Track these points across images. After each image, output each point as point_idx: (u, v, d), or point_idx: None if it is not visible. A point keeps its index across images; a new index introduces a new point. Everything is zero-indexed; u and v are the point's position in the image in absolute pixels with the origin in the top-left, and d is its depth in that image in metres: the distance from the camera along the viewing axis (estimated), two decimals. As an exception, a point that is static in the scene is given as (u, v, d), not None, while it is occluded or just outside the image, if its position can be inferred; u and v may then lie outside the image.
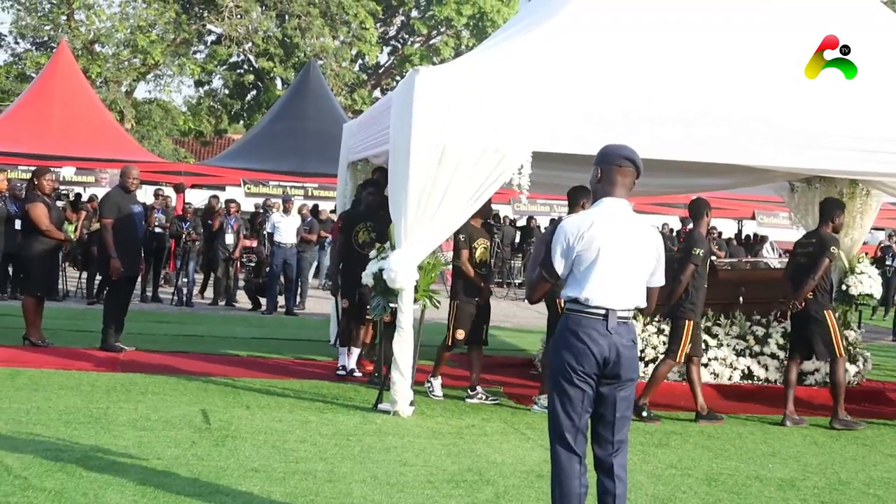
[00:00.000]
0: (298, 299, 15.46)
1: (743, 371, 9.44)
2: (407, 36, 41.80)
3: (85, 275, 15.77)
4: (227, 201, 16.64)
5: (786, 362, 9.31)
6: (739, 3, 8.37)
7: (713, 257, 8.36)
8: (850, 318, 10.74)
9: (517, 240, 23.64)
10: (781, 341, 9.48)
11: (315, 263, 18.92)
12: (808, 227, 10.83)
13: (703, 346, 8.83)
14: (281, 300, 15.19)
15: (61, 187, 17.87)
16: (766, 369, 9.43)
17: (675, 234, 22.06)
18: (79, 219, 15.60)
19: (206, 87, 38.29)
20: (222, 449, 6.08)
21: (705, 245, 8.09)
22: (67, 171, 20.87)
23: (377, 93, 40.10)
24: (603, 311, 4.17)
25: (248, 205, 21.42)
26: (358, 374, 9.22)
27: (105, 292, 10.96)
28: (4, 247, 12.92)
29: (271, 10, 34.80)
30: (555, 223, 19.21)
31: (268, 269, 15.43)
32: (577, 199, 7.68)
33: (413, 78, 7.34)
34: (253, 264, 17.25)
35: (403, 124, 7.41)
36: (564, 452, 4.23)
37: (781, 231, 23.48)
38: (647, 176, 8.53)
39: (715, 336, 9.42)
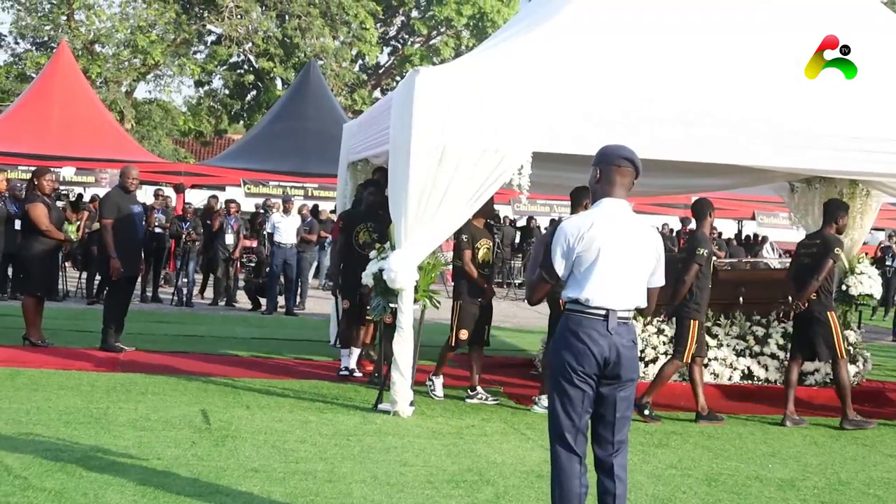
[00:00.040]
0: (298, 299, 15.46)
1: (743, 371, 9.45)
2: (407, 36, 41.81)
3: (85, 275, 15.77)
4: (227, 201, 16.64)
5: (786, 362, 9.33)
6: (739, 3, 8.37)
7: (713, 258, 8.36)
8: (850, 318, 10.75)
9: (517, 240, 23.64)
10: (781, 341, 9.48)
11: (315, 264, 18.92)
12: (808, 228, 10.84)
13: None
14: (281, 300, 15.20)
15: (61, 187, 17.86)
16: (766, 369, 9.44)
17: (674, 234, 22.06)
18: (81, 219, 15.60)
19: (206, 88, 38.32)
20: (222, 449, 6.08)
21: (709, 245, 8.10)
22: (67, 172, 20.88)
23: (377, 93, 40.11)
24: (603, 312, 4.17)
25: (248, 205, 21.41)
26: (358, 374, 9.22)
27: (105, 292, 10.96)
28: (4, 247, 12.93)
29: (271, 10, 34.81)
30: (555, 224, 19.24)
31: (268, 269, 15.43)
32: (581, 199, 7.67)
33: (413, 78, 7.34)
34: (253, 264, 17.25)
35: (403, 124, 7.41)
36: (564, 453, 4.23)
37: (781, 231, 23.50)
38: (647, 176, 8.54)
39: (715, 336, 9.42)
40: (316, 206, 20.39)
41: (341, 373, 9.16)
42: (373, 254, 7.88)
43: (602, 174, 4.31)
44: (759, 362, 9.45)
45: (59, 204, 13.20)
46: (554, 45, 7.92)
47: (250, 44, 35.65)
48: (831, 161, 7.84)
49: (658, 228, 20.19)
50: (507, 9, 36.96)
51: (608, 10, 8.20)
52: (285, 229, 14.82)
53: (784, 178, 10.58)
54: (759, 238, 23.88)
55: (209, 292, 16.41)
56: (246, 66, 37.62)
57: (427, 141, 7.24)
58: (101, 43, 33.61)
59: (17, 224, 11.58)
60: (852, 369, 9.31)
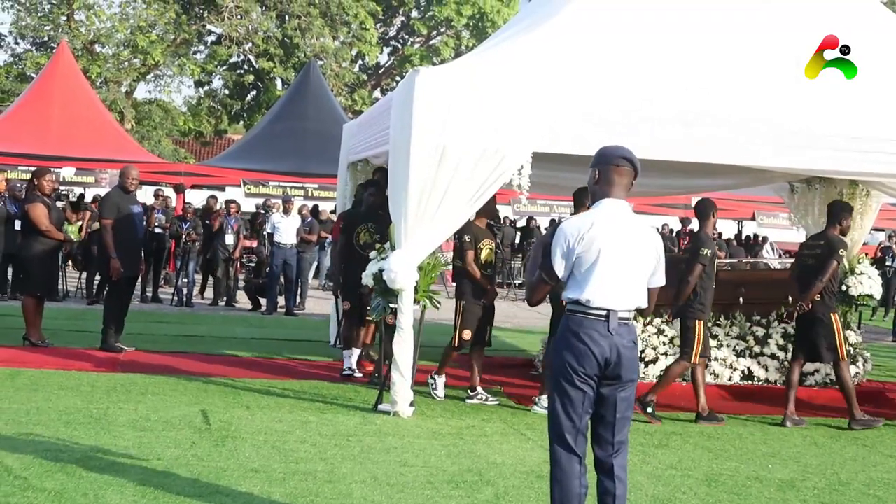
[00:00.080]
0: (298, 300, 15.46)
1: (743, 372, 9.45)
2: (407, 36, 41.80)
3: (84, 275, 15.77)
4: (227, 202, 16.64)
5: (786, 363, 9.33)
6: (739, 3, 8.37)
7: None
8: (850, 318, 10.75)
9: (517, 240, 23.64)
10: (781, 342, 9.49)
11: (315, 264, 18.92)
12: (808, 228, 10.85)
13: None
14: (281, 300, 15.20)
15: (61, 188, 17.86)
16: (766, 370, 9.44)
17: (674, 234, 22.06)
18: (83, 219, 15.59)
19: (206, 88, 38.31)
20: (222, 449, 6.08)
21: (713, 245, 8.10)
22: (67, 172, 20.87)
23: (377, 93, 40.11)
24: (604, 312, 4.17)
25: (248, 205, 21.41)
26: (358, 374, 9.22)
27: (105, 293, 10.96)
28: (4, 247, 12.93)
29: (271, 10, 34.80)
30: (554, 225, 19.20)
31: (268, 269, 15.43)
32: (583, 199, 7.67)
33: (413, 78, 7.34)
34: (253, 265, 17.25)
35: (403, 125, 7.41)
36: (564, 453, 4.23)
37: (781, 232, 23.50)
38: (647, 176, 8.54)
39: (715, 337, 9.42)
40: (316, 207, 20.39)
41: (344, 373, 9.15)
42: (373, 254, 7.88)
43: (601, 175, 4.31)
44: (759, 363, 9.45)
45: (59, 204, 13.19)
46: (554, 45, 7.92)
47: (250, 44, 35.64)
48: (831, 161, 7.84)
49: (658, 229, 20.20)
50: (507, 9, 36.97)
51: (608, 10, 8.20)
52: (285, 229, 14.82)
53: (784, 179, 10.58)
54: (759, 238, 23.88)
55: (209, 292, 16.41)
56: (246, 67, 37.61)
57: (427, 141, 7.24)
58: (101, 43, 33.60)
59: (17, 224, 11.58)
60: (852, 370, 9.31)
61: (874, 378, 10.29)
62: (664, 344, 9.18)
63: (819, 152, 7.74)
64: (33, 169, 12.27)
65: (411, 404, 7.55)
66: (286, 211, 15.12)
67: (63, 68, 23.04)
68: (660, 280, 4.38)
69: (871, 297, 9.77)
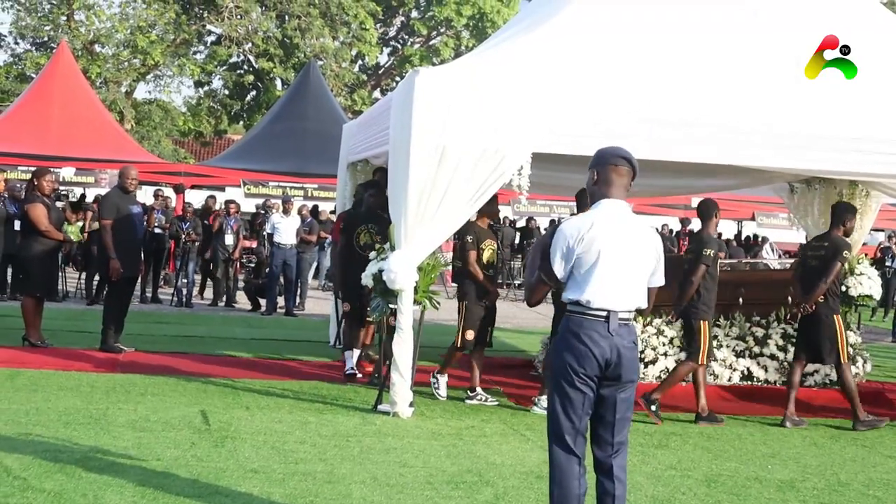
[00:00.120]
0: (298, 300, 15.46)
1: (742, 372, 9.45)
2: (407, 36, 41.81)
3: (84, 275, 15.77)
4: (227, 202, 16.64)
5: (786, 363, 9.33)
6: (739, 3, 8.36)
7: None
8: (849, 319, 10.74)
9: (517, 241, 23.63)
10: (781, 342, 9.49)
11: (315, 264, 18.92)
12: (808, 228, 10.85)
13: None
14: (280, 301, 15.20)
15: (61, 188, 17.86)
16: (766, 370, 9.44)
17: (674, 235, 22.07)
18: (85, 219, 15.57)
19: (206, 88, 38.30)
20: (222, 450, 6.08)
21: (715, 245, 8.10)
22: (67, 172, 20.87)
23: (377, 93, 40.11)
24: (604, 313, 4.17)
25: (247, 205, 21.41)
26: (359, 375, 9.21)
27: (105, 293, 10.95)
28: (4, 247, 12.93)
29: (271, 10, 34.80)
30: (553, 226, 19.17)
31: (267, 269, 15.43)
32: (586, 200, 7.64)
33: (413, 78, 7.34)
34: (253, 265, 17.24)
35: (403, 125, 7.41)
36: (563, 454, 4.23)
37: (781, 232, 23.51)
38: (647, 177, 8.54)
39: (715, 337, 9.41)
40: (316, 207, 20.38)
41: (347, 373, 9.12)
42: (372, 254, 7.88)
43: (599, 175, 4.31)
44: (758, 363, 9.45)
45: (59, 204, 13.20)
46: (554, 45, 7.92)
47: (250, 44, 35.64)
48: (831, 162, 7.84)
49: (658, 229, 20.21)
50: (507, 9, 36.98)
51: (608, 10, 8.20)
52: (285, 230, 14.82)
53: (783, 179, 10.58)
54: (759, 239, 23.88)
55: (209, 293, 16.41)
56: (246, 67, 37.61)
57: (427, 141, 7.24)
58: (100, 43, 33.60)
59: (17, 224, 11.58)
60: (851, 370, 9.31)
61: (873, 378, 10.29)
62: (664, 344, 9.18)
63: (818, 153, 7.73)
64: (33, 169, 12.27)
65: (411, 405, 7.55)
66: (286, 211, 15.12)
67: (63, 68, 23.04)
68: (659, 280, 4.38)
69: (870, 297, 9.77)
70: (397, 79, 37.20)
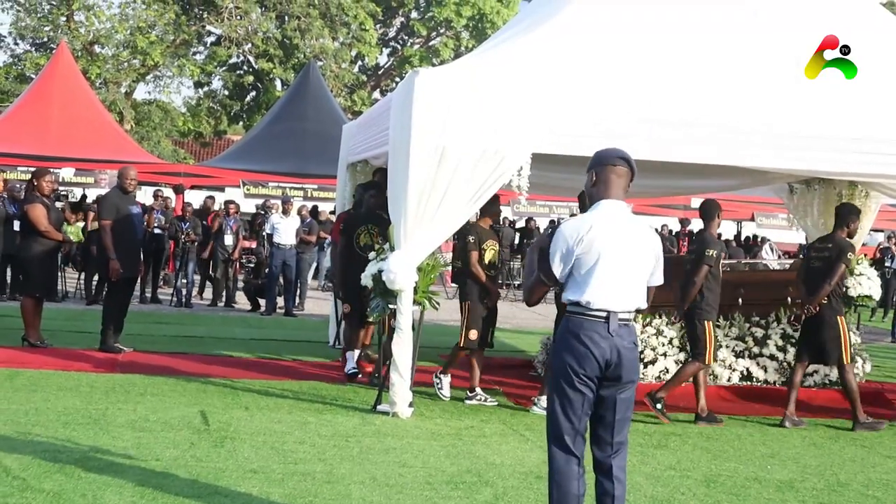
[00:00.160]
0: (297, 300, 15.45)
1: (742, 372, 9.45)
2: (406, 37, 41.81)
3: (84, 275, 15.76)
4: (227, 202, 16.64)
5: (785, 364, 9.33)
6: (739, 3, 8.36)
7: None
8: (849, 319, 10.73)
9: (516, 241, 23.63)
10: (780, 343, 9.49)
11: (314, 264, 18.93)
12: (807, 229, 10.85)
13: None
14: (280, 301, 15.20)
15: (60, 188, 17.86)
16: (765, 371, 9.44)
17: (674, 235, 22.07)
18: (86, 220, 15.56)
19: (206, 89, 38.31)
20: (221, 450, 6.08)
21: (718, 246, 8.10)
22: (67, 172, 20.88)
23: (377, 94, 40.11)
24: (604, 314, 4.17)
25: (247, 206, 21.42)
26: (359, 374, 9.20)
27: (104, 293, 10.95)
28: (3, 248, 12.92)
29: (271, 11, 34.80)
30: (550, 227, 19.12)
31: (267, 270, 15.43)
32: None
33: (412, 79, 7.34)
34: (252, 265, 17.23)
35: (403, 125, 7.41)
36: (563, 454, 4.23)
37: (780, 232, 23.51)
38: (647, 177, 8.54)
39: (714, 337, 9.41)
40: (315, 207, 20.38)
41: (349, 374, 9.11)
42: (372, 255, 7.88)
43: (598, 176, 4.31)
44: (758, 363, 9.45)
45: (59, 205, 13.20)
46: (553, 46, 7.92)
47: (250, 45, 35.65)
48: (831, 162, 7.84)
49: (657, 230, 20.21)
50: (507, 10, 36.99)
51: (607, 11, 8.20)
52: (284, 230, 14.82)
53: (783, 180, 10.58)
54: (759, 239, 23.89)
55: (208, 293, 16.41)
56: (245, 67, 37.62)
57: (426, 142, 7.24)
58: (100, 44, 33.60)
59: (16, 225, 11.58)
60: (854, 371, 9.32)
61: (873, 378, 10.29)
62: (663, 345, 9.18)
63: (818, 153, 7.74)
64: (33, 170, 12.27)
65: (410, 405, 7.54)
66: (285, 212, 15.12)
67: (62, 69, 23.04)
68: (658, 279, 4.38)
69: (870, 297, 9.77)
70: (397, 79, 37.21)
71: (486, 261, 8.46)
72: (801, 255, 20.16)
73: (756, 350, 9.49)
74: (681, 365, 8.38)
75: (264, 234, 15.95)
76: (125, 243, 9.80)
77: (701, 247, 8.05)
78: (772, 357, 9.46)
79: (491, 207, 8.34)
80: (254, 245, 17.36)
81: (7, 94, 31.26)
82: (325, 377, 9.16)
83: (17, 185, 14.19)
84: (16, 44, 34.68)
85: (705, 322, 8.00)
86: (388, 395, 7.52)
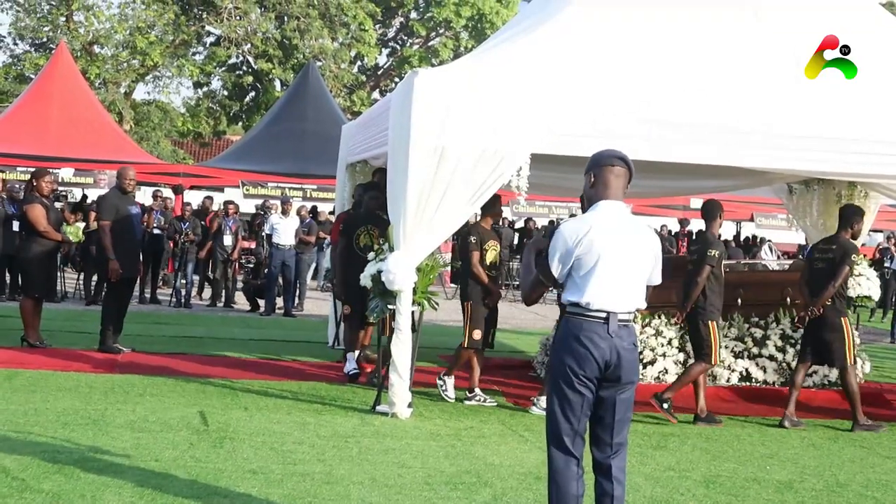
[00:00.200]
0: (297, 301, 15.46)
1: (741, 373, 9.44)
2: (406, 37, 41.81)
3: (83, 276, 15.76)
4: (226, 203, 16.64)
5: (784, 364, 9.33)
6: (739, 4, 8.36)
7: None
8: (850, 320, 10.73)
9: (515, 241, 23.62)
10: (779, 343, 9.48)
11: (313, 265, 18.93)
12: (806, 229, 10.86)
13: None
14: (279, 301, 15.19)
15: (59, 188, 17.86)
16: (764, 371, 9.43)
17: (673, 235, 22.07)
18: (87, 220, 15.56)
19: (205, 89, 38.28)
20: (220, 451, 6.08)
21: (720, 246, 8.11)
22: (66, 173, 20.86)
23: (376, 94, 40.11)
24: (604, 315, 4.17)
25: (246, 206, 21.41)
26: (360, 375, 9.20)
27: (103, 293, 10.95)
28: (3, 248, 12.93)
29: (270, 11, 34.79)
30: (546, 227, 19.04)
31: (266, 270, 15.42)
32: None
33: (412, 80, 7.34)
34: (251, 266, 17.22)
35: (402, 126, 7.41)
36: (562, 455, 4.23)
37: (780, 233, 23.51)
38: (646, 178, 8.54)
39: (713, 338, 9.42)
40: (314, 208, 20.39)
41: (350, 374, 9.10)
42: (371, 255, 7.88)
43: (596, 178, 4.31)
44: (757, 364, 9.44)
45: (58, 205, 13.20)
46: (552, 46, 7.92)
47: (249, 45, 35.63)
48: (831, 163, 7.85)
49: (657, 230, 20.21)
50: (506, 10, 37.00)
51: (606, 11, 8.20)
52: (284, 231, 14.83)
53: (782, 180, 10.59)
54: (758, 240, 23.90)
55: (207, 293, 16.40)
56: (245, 68, 37.60)
57: (426, 142, 7.24)
58: (99, 44, 33.59)
59: (16, 225, 11.58)
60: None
61: (872, 380, 10.29)
62: (662, 345, 9.18)
63: (817, 154, 7.74)
64: (32, 170, 12.27)
65: (409, 405, 7.54)
66: (284, 212, 15.13)
67: (62, 69, 23.02)
68: (656, 279, 4.38)
69: (869, 298, 9.78)
70: (396, 80, 37.20)
71: (488, 261, 8.45)
72: (799, 256, 20.18)
73: (755, 351, 9.49)
74: (688, 366, 8.36)
75: (263, 234, 15.96)
76: (124, 244, 9.80)
77: (703, 247, 8.05)
78: (771, 358, 9.46)
79: (492, 207, 8.35)
80: (253, 245, 17.36)
81: (6, 94, 31.25)
82: (324, 378, 9.16)
83: (17, 186, 14.20)
84: (15, 44, 34.70)
85: (710, 323, 8.01)
86: (388, 396, 7.52)
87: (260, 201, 20.65)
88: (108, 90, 32.78)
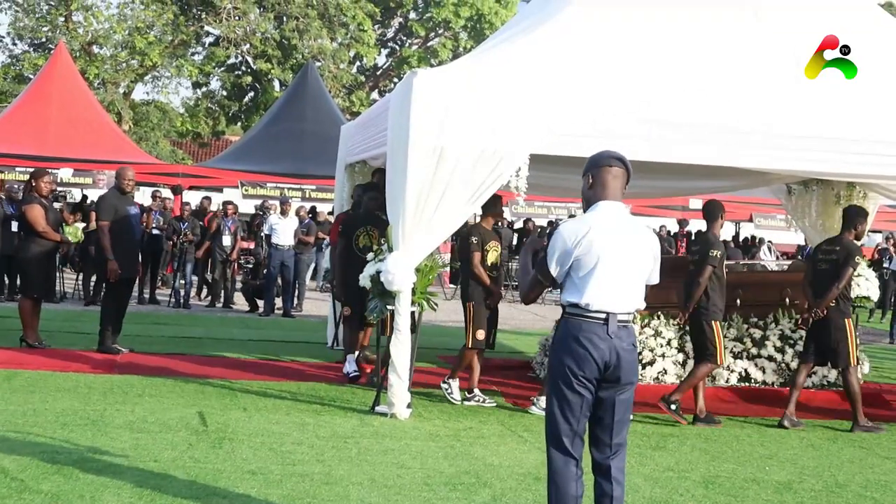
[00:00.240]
0: (296, 301, 15.45)
1: (740, 373, 9.44)
2: (405, 38, 41.80)
3: (82, 276, 15.75)
4: (225, 203, 16.63)
5: (783, 365, 9.33)
6: (739, 4, 8.36)
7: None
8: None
9: (514, 242, 23.62)
10: (779, 344, 9.48)
11: (312, 265, 18.92)
12: (805, 230, 10.86)
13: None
14: (278, 302, 15.19)
15: (59, 189, 17.85)
16: (764, 371, 9.43)
17: (672, 236, 22.07)
18: (87, 220, 15.55)
19: (204, 89, 38.28)
20: (219, 451, 6.07)
21: (721, 246, 8.11)
22: (65, 173, 20.85)
23: (375, 94, 40.10)
24: (603, 316, 4.17)
25: (245, 206, 21.40)
26: (360, 377, 9.19)
27: (102, 294, 10.94)
28: (1, 248, 12.92)
29: (269, 11, 34.78)
30: (543, 228, 19.03)
31: (265, 270, 15.42)
32: None
33: (411, 80, 7.33)
34: (250, 266, 17.21)
35: (401, 126, 7.41)
36: (561, 456, 4.23)
37: (779, 233, 23.53)
38: (645, 178, 8.54)
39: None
40: (314, 208, 20.37)
41: (350, 375, 9.09)
42: (370, 256, 7.87)
43: (594, 179, 4.31)
44: (756, 364, 9.44)
45: (57, 205, 13.19)
46: (551, 47, 7.92)
47: (248, 45, 35.62)
48: (831, 163, 7.85)
49: (656, 230, 20.21)
50: (505, 11, 37.00)
51: (606, 12, 8.20)
52: (283, 231, 14.82)
53: (781, 181, 10.59)
54: (757, 240, 23.90)
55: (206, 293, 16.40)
56: (244, 68, 37.59)
57: (425, 143, 7.24)
58: (98, 44, 33.57)
59: (14, 225, 11.57)
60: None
61: (871, 380, 10.29)
62: (661, 346, 9.18)
63: (816, 154, 7.74)
64: (31, 170, 12.26)
65: (408, 406, 7.54)
66: (283, 212, 15.13)
67: (61, 69, 23.00)
68: (655, 279, 4.38)
69: (868, 298, 9.78)
70: (395, 80, 37.20)
71: (489, 262, 8.45)
72: (798, 256, 20.20)
73: (754, 351, 9.48)
74: (693, 367, 8.35)
75: (262, 234, 15.95)
76: (123, 244, 9.79)
77: (705, 247, 8.05)
78: (770, 358, 9.45)
79: (493, 208, 8.34)
80: (252, 246, 17.35)
81: (5, 94, 31.22)
82: (323, 378, 9.16)
83: (16, 186, 14.18)
84: (14, 44, 34.68)
85: (713, 323, 8.01)
86: (387, 396, 7.52)
87: (259, 202, 20.65)
88: (107, 90, 32.77)
